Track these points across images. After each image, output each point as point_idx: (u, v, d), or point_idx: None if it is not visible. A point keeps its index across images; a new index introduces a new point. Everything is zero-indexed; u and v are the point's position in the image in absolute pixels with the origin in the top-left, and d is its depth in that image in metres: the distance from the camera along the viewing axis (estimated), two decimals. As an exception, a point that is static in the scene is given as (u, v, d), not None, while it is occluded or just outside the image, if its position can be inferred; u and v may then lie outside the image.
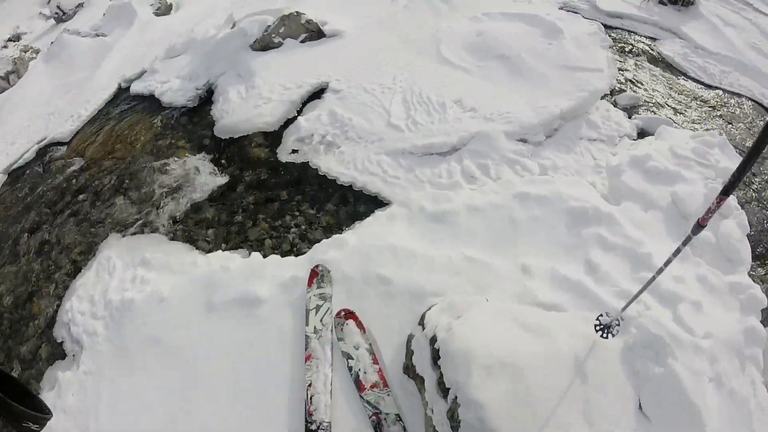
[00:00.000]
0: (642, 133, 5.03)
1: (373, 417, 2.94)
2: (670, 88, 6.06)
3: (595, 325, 2.62)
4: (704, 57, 6.67)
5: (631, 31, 7.22)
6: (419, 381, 2.90)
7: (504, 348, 2.55)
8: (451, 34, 6.42)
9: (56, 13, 13.27)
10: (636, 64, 6.44)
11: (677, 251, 2.10)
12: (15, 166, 6.85)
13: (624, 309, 2.63)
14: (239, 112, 5.91)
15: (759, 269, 4.09)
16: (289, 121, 5.71)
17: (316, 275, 3.67)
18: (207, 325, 3.65)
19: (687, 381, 2.51)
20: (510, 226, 3.81)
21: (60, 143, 6.98)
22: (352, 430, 2.99)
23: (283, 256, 4.14)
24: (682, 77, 6.36)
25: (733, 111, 5.84)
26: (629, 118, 5.25)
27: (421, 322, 3.03)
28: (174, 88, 7.03)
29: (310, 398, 3.05)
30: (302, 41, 7.01)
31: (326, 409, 3.01)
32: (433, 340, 2.76)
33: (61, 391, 3.65)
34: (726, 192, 1.66)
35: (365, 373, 3.12)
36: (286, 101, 5.88)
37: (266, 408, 3.15)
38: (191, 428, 3.19)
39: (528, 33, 6.13)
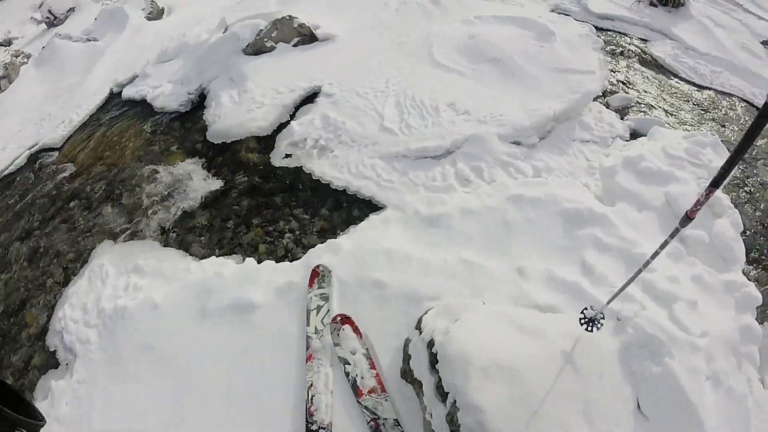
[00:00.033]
0: (634, 134, 5.05)
1: (372, 422, 2.92)
2: (662, 89, 6.10)
3: (580, 319, 2.64)
4: (695, 58, 6.73)
5: (623, 33, 7.27)
6: (417, 385, 2.89)
7: (502, 350, 2.55)
8: (443, 38, 6.42)
9: (47, 17, 13.20)
10: (627, 66, 6.48)
11: (664, 244, 2.11)
12: (6, 173, 6.79)
13: (609, 303, 2.65)
14: (232, 117, 5.89)
15: (753, 271, 4.10)
16: (282, 126, 5.68)
17: (317, 275, 3.66)
18: (201, 331, 3.61)
19: (684, 380, 2.52)
20: (504, 228, 3.81)
21: (51, 149, 6.92)
22: (350, 436, 2.98)
23: (277, 261, 4.12)
24: (673, 78, 6.41)
25: (724, 111, 5.89)
26: (621, 119, 5.28)
27: (418, 326, 3.02)
28: (166, 92, 7.00)
29: (311, 398, 3.04)
30: (295, 45, 7.00)
31: (327, 410, 3.01)
32: (431, 344, 2.75)
33: (55, 400, 3.61)
34: (715, 184, 1.66)
35: (362, 378, 3.10)
36: (279, 105, 5.85)
37: (262, 413, 3.13)
38: (186, 435, 3.17)
39: (520, 36, 6.14)
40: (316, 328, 3.40)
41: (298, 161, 5.15)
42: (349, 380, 3.14)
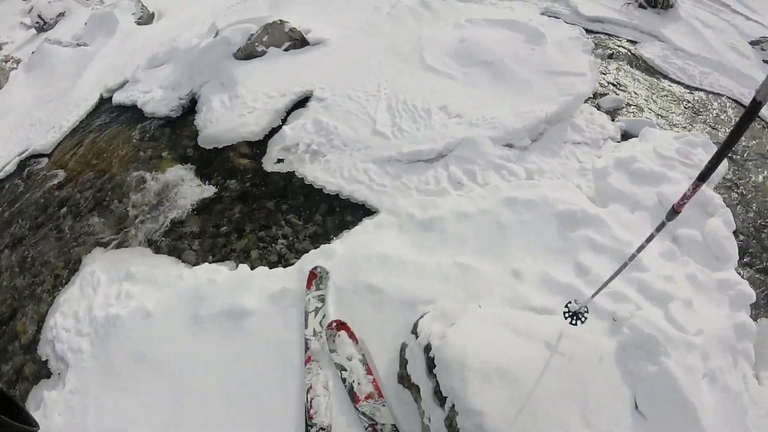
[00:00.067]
0: (626, 135, 5.09)
1: (369, 428, 2.92)
2: (652, 91, 6.13)
3: (564, 312, 2.68)
4: (684, 59, 6.77)
5: (612, 35, 7.31)
6: (415, 390, 2.89)
7: (499, 353, 2.57)
8: (435, 41, 6.43)
9: (37, 22, 13.10)
10: (617, 68, 6.51)
11: (650, 237, 2.12)
12: (-4, 179, 6.73)
13: (593, 296, 2.69)
14: (223, 122, 5.86)
15: (745, 271, 4.13)
16: (273, 131, 5.67)
17: (315, 277, 3.66)
18: (194, 339, 3.59)
19: (681, 378, 2.55)
20: (499, 231, 3.82)
21: (41, 155, 6.85)
22: (348, 442, 2.97)
23: (270, 267, 4.10)
24: (663, 79, 6.45)
25: (713, 111, 5.93)
26: (612, 120, 5.32)
27: (414, 331, 3.02)
28: (156, 98, 6.95)
29: (311, 401, 3.04)
30: (286, 49, 6.98)
31: (327, 412, 3.01)
32: (428, 348, 2.76)
33: (47, 410, 3.57)
34: (702, 178, 1.69)
35: (359, 384, 3.10)
36: (271, 110, 5.84)
37: (261, 416, 3.12)
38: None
39: (511, 39, 6.17)
40: (314, 330, 3.39)
41: (291, 166, 5.14)
42: (346, 386, 3.13)
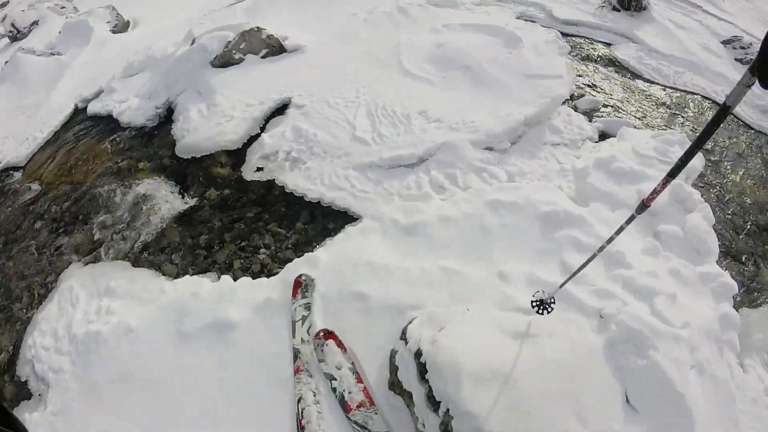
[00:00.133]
0: (603, 135, 5.14)
1: (362, 437, 2.89)
2: (628, 91, 6.22)
3: (532, 301, 2.76)
4: (658, 59, 6.88)
5: (588, 38, 7.39)
6: (407, 396, 2.87)
7: (490, 356, 2.58)
8: (412, 47, 6.44)
9: (10, 31, 12.82)
10: (593, 69, 6.59)
11: (620, 230, 2.19)
12: (-33, 194, 6.56)
13: (561, 286, 2.77)
14: (201, 131, 5.78)
15: (725, 263, 4.21)
16: (252, 139, 5.61)
17: (300, 285, 3.62)
18: (179, 354, 3.52)
19: (670, 370, 2.62)
20: (483, 234, 3.84)
21: (15, 168, 6.70)
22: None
23: (254, 277, 4.05)
24: (638, 79, 6.54)
25: (688, 109, 6.03)
26: (590, 121, 5.36)
27: (403, 337, 3.02)
28: (133, 107, 6.83)
29: (302, 411, 3.00)
30: (263, 57, 6.93)
31: (319, 422, 2.96)
32: (418, 354, 2.75)
33: (27, 433, 3.48)
34: (672, 174, 1.73)
35: (350, 393, 3.06)
36: (249, 118, 5.78)
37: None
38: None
39: (488, 43, 6.20)
40: (302, 339, 3.36)
41: (271, 174, 5.09)
42: (336, 396, 3.09)
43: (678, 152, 4.39)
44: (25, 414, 3.63)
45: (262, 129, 5.75)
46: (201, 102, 6.30)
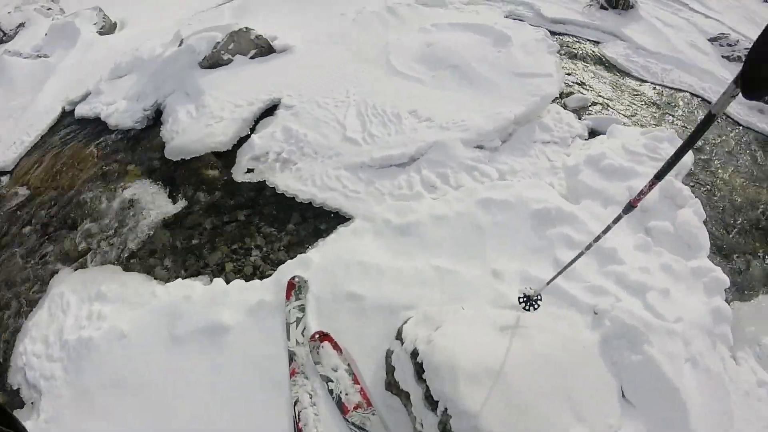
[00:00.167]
0: (593, 133, 5.18)
1: (360, 438, 2.88)
2: (616, 89, 6.26)
3: (519, 298, 2.79)
4: (645, 57, 6.93)
5: (576, 36, 7.44)
6: (404, 396, 2.86)
7: (487, 354, 2.58)
8: (401, 46, 6.44)
9: (-4, 33, 12.70)
10: (582, 67, 6.63)
11: (607, 229, 2.21)
12: (-46, 199, 6.46)
13: (549, 283, 2.79)
14: (190, 133, 5.73)
15: (717, 260, 4.24)
16: (242, 140, 5.58)
17: (294, 287, 3.59)
18: (172, 359, 3.48)
19: (664, 365, 2.67)
20: (476, 232, 3.84)
21: (2, 172, 6.61)
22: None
23: (246, 280, 4.01)
24: (627, 77, 6.58)
25: (676, 106, 6.08)
26: (579, 119, 5.40)
27: (399, 337, 3.00)
28: (120, 109, 6.77)
29: (298, 414, 2.97)
30: (252, 57, 6.90)
31: (316, 424, 2.95)
32: (415, 353, 2.74)
33: (20, 441, 3.43)
34: (659, 176, 1.75)
35: (347, 394, 3.05)
36: (238, 119, 5.74)
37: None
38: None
39: (477, 42, 6.22)
40: (297, 341, 3.33)
41: (261, 176, 5.06)
42: (333, 398, 3.08)
43: (667, 149, 4.43)
44: (17, 423, 3.58)
45: (252, 130, 5.72)
46: (190, 103, 6.26)
